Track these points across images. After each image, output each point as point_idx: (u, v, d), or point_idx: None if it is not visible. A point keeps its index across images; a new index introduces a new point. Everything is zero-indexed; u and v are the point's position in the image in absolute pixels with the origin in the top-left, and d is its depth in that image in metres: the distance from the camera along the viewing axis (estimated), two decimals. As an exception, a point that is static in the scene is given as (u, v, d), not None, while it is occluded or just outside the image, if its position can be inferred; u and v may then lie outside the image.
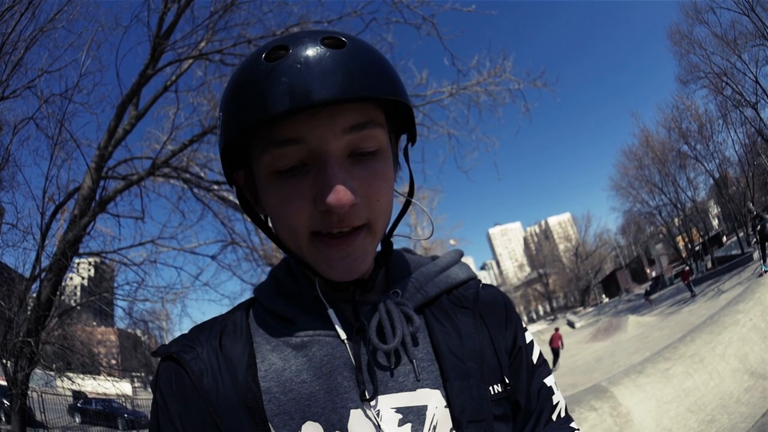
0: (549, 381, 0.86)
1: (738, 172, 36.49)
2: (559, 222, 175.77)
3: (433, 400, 0.70)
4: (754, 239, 14.24)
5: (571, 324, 40.11)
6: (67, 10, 5.58)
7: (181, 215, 7.04)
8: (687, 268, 26.09)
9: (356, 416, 0.67)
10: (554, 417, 0.83)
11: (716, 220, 50.93)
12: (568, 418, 0.85)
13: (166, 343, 0.80)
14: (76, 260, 6.41)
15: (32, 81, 5.31)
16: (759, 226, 13.47)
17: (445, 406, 0.70)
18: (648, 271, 55.68)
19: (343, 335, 0.71)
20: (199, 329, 0.78)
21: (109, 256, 6.34)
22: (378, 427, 0.66)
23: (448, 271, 0.85)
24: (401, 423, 0.67)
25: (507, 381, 0.77)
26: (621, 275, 57.76)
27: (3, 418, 14.14)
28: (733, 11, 30.23)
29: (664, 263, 50.16)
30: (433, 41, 6.71)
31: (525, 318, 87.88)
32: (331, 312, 0.72)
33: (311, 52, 0.59)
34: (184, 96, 6.93)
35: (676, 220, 44.85)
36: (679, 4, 34.39)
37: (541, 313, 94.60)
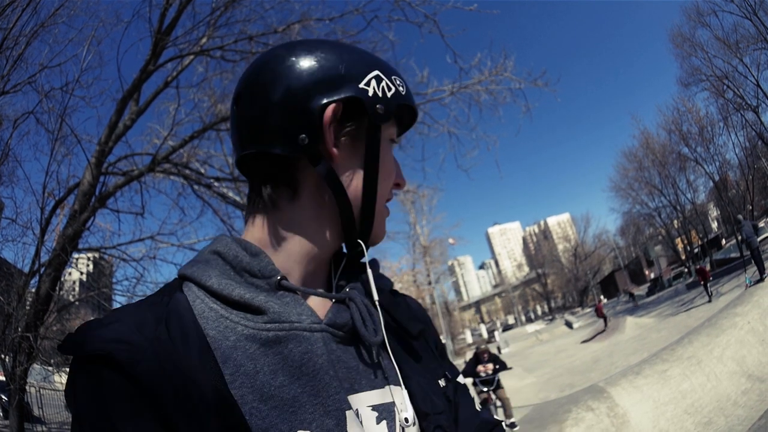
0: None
1: (738, 175, 36.58)
2: (559, 222, 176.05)
3: (398, 397, 0.70)
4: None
5: (569, 324, 40.19)
6: (68, 5, 5.61)
7: (180, 211, 7.01)
8: (706, 266, 22.45)
9: (350, 418, 0.62)
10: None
11: (715, 223, 51.01)
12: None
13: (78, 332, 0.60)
14: (76, 255, 6.41)
15: (33, 76, 5.31)
16: (742, 236, 13.54)
17: (407, 403, 0.71)
18: (647, 272, 55.76)
19: (316, 327, 0.66)
20: (127, 315, 0.61)
21: (109, 251, 6.34)
22: (362, 426, 0.64)
23: (384, 276, 0.86)
24: (378, 421, 0.67)
25: (448, 375, 0.83)
26: (620, 276, 57.89)
27: (1, 413, 14.16)
28: (735, 14, 30.29)
29: (663, 265, 50.24)
30: (434, 40, 6.72)
31: (523, 318, 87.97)
32: (303, 301, 0.68)
33: None
34: (185, 92, 6.93)
35: (675, 222, 44.95)
36: (681, 7, 34.49)
37: (539, 313, 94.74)
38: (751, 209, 34.88)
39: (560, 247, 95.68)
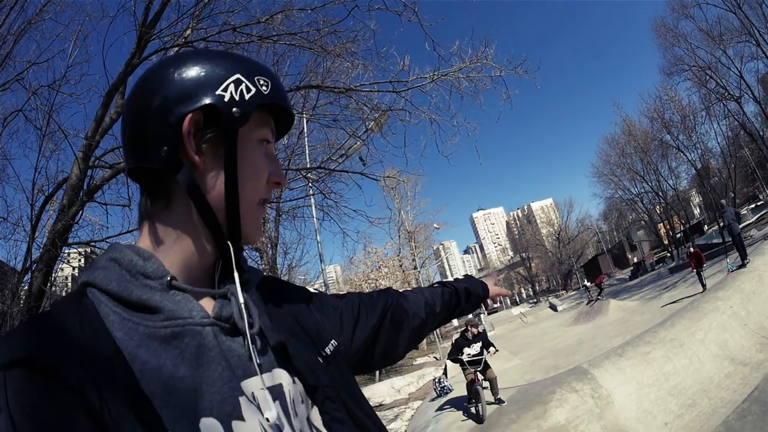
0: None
1: (720, 163, 37.06)
2: (542, 207, 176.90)
3: (284, 378, 0.76)
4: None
5: (553, 307, 40.58)
6: (55, 1, 5.52)
7: (167, 202, 6.97)
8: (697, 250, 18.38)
9: (244, 402, 0.69)
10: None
11: (698, 209, 51.79)
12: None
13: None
14: (66, 250, 6.36)
15: (21, 73, 5.24)
16: (725, 222, 13.80)
17: (294, 381, 0.77)
18: (629, 256, 56.46)
19: (206, 322, 0.72)
20: (44, 322, 0.65)
21: (98, 244, 6.29)
22: (259, 409, 0.70)
23: (255, 269, 0.92)
24: (273, 400, 0.72)
25: (323, 352, 0.87)
26: (603, 260, 58.57)
27: None
28: (719, 8, 30.52)
29: (646, 249, 50.89)
30: (415, 28, 6.71)
31: (508, 301, 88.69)
32: (193, 299, 0.73)
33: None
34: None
35: (657, 207, 45.49)
36: (666, -1, 34.67)
37: (524, 296, 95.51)
38: (734, 196, 35.41)
39: (544, 231, 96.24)
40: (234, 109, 0.75)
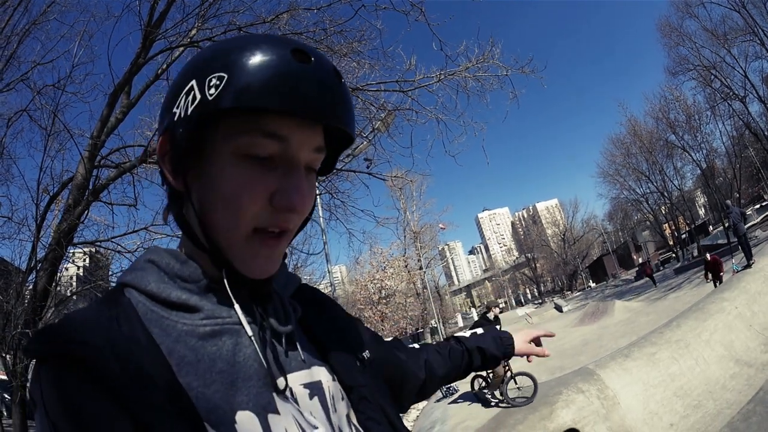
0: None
1: (725, 163, 36.92)
2: (547, 207, 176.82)
3: (323, 375, 0.77)
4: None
5: (558, 308, 40.48)
6: (59, 1, 5.56)
7: (173, 202, 6.99)
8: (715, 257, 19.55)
9: (280, 397, 0.69)
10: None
11: (703, 210, 51.63)
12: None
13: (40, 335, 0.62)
14: (71, 250, 6.38)
15: (26, 74, 5.28)
16: (730, 223, 13.77)
17: (333, 379, 0.78)
18: (635, 257, 56.31)
19: (245, 321, 0.70)
20: (82, 317, 0.64)
21: (104, 244, 6.31)
22: (296, 403, 0.71)
23: (292, 275, 0.91)
24: (311, 397, 0.73)
25: (363, 356, 0.88)
26: (608, 261, 58.41)
27: (4, 413, 14.12)
28: (723, 6, 30.43)
29: (651, 250, 50.72)
30: (421, 27, 6.72)
31: (513, 301, 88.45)
32: (234, 301, 0.72)
33: (329, 73, 0.67)
34: (176, 84, 6.87)
35: (663, 208, 45.32)
36: (670, -2, 34.61)
37: (529, 296, 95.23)
38: (738, 197, 35.27)
39: (549, 231, 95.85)
40: (179, 130, 0.66)
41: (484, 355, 1.28)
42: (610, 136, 50.53)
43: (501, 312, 9.83)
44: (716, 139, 36.79)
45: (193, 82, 0.65)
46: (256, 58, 0.63)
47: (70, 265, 7.55)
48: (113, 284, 7.26)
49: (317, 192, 9.08)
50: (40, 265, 5.17)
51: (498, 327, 9.14)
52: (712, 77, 32.81)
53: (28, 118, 5.45)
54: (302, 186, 0.68)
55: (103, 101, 5.90)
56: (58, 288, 6.01)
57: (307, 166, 0.70)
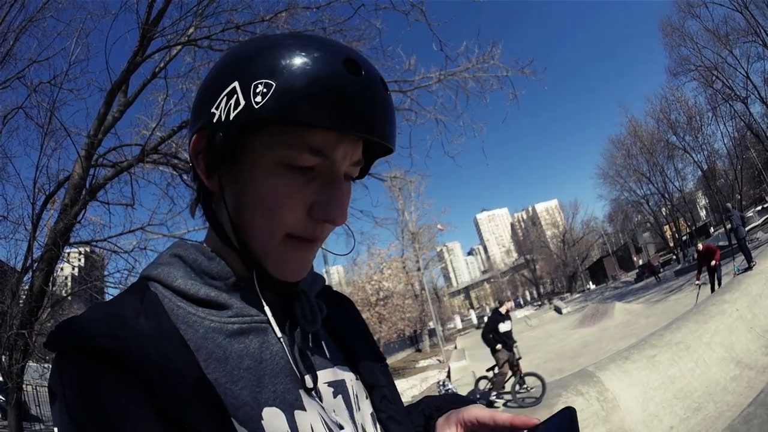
0: None
1: (726, 164, 36.95)
2: (547, 208, 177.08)
3: (346, 374, 0.78)
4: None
5: (557, 310, 40.50)
6: (55, -2, 5.56)
7: (170, 201, 6.93)
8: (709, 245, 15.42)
9: (305, 394, 0.69)
10: None
11: (704, 211, 51.63)
12: None
13: (63, 328, 0.60)
14: (67, 250, 6.36)
15: (22, 71, 5.27)
16: (730, 224, 13.73)
17: (357, 378, 0.79)
18: (635, 258, 56.31)
19: (273, 320, 0.69)
20: (107, 310, 0.63)
21: (100, 244, 6.29)
22: (321, 401, 0.70)
23: (318, 275, 0.89)
24: (335, 395, 0.73)
25: (382, 357, 0.89)
26: (608, 262, 58.35)
27: (0, 414, 14.09)
28: (726, 7, 30.49)
29: (651, 252, 50.71)
30: (421, 27, 6.73)
31: (512, 303, 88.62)
32: (263, 301, 0.71)
33: (379, 86, 0.64)
34: (173, 82, 6.84)
35: (663, 209, 45.34)
36: (672, -2, 34.67)
37: (529, 298, 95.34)
38: (740, 198, 35.27)
39: (548, 233, 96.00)
40: (218, 134, 0.63)
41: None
42: (610, 137, 50.42)
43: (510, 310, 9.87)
44: (717, 141, 36.74)
45: (236, 85, 0.61)
46: (307, 68, 0.60)
47: (65, 264, 7.53)
48: (108, 285, 7.31)
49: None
50: (36, 265, 5.16)
51: (509, 322, 9.18)
52: (714, 78, 32.87)
53: (24, 116, 5.45)
54: (343, 199, 0.67)
55: (99, 99, 5.89)
56: (54, 288, 5.98)
57: (345, 175, 0.69)
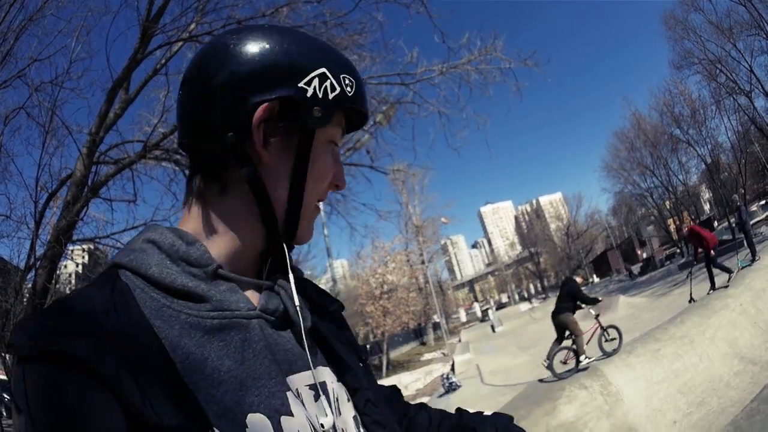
0: None
1: (730, 158, 36.75)
2: (551, 201, 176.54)
3: (327, 376, 0.75)
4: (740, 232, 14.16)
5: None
6: (56, -4, 5.56)
7: (173, 197, 6.91)
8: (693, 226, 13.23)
9: (291, 398, 0.66)
10: None
11: (708, 205, 51.36)
12: None
13: (27, 327, 0.57)
14: (70, 247, 6.37)
15: (22, 70, 5.26)
16: (737, 218, 13.61)
17: (338, 381, 0.77)
18: (639, 252, 56.12)
19: (252, 314, 0.68)
20: (74, 306, 0.58)
21: (103, 241, 6.29)
22: (303, 406, 0.67)
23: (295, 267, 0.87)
24: (316, 399, 0.70)
25: (363, 357, 0.88)
26: (612, 255, 58.15)
27: (4, 413, 14.21)
28: (729, 0, 30.20)
29: (655, 245, 50.52)
30: (423, 20, 6.71)
31: (516, 296, 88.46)
32: (239, 290, 0.70)
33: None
34: (175, 78, 6.80)
35: (667, 202, 45.13)
36: (675, -9, 34.40)
37: (533, 291, 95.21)
38: (744, 192, 35.09)
39: (552, 226, 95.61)
40: (315, 108, 0.69)
41: None
42: (614, 130, 50.13)
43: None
44: (721, 134, 36.51)
45: (326, 71, 0.70)
46: (356, 70, 0.77)
47: (69, 262, 7.54)
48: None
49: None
50: (39, 262, 5.15)
51: (585, 291, 9.32)
52: (718, 71, 32.59)
53: (26, 116, 5.43)
54: (343, 168, 0.82)
55: (101, 97, 5.89)
56: (58, 286, 5.99)
57: None
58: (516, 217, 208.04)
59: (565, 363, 8.38)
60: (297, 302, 0.71)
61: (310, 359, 0.70)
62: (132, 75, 5.97)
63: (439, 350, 30.52)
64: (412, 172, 11.21)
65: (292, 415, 0.64)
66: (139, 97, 6.21)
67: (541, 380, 8.09)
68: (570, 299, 9.02)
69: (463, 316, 67.31)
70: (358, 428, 0.75)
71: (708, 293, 9.52)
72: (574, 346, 8.52)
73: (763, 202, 36.80)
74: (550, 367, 8.23)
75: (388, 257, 35.35)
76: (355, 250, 40.63)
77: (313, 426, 0.66)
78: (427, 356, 29.91)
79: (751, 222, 14.74)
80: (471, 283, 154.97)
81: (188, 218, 0.73)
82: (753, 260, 10.65)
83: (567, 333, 8.87)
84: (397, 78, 7.06)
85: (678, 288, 18.06)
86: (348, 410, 0.75)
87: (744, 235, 12.91)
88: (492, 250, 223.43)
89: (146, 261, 0.64)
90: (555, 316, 9.14)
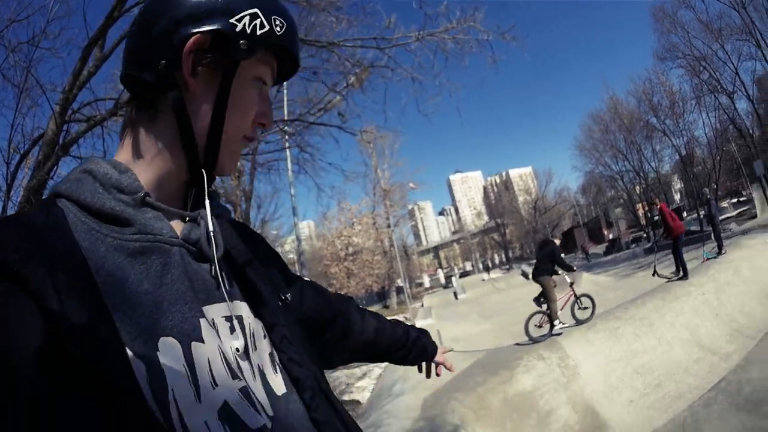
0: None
1: (705, 153, 37.32)
2: (521, 175, 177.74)
3: (244, 311, 0.77)
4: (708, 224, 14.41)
5: (525, 275, 41.08)
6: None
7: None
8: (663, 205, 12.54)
9: (204, 325, 0.68)
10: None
11: (678, 195, 52.40)
12: None
13: None
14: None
15: (0, 32, 5.10)
16: (707, 211, 13.91)
17: (255, 316, 0.79)
18: (605, 232, 57.23)
19: (174, 241, 0.71)
20: (10, 224, 0.61)
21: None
22: (218, 336, 0.69)
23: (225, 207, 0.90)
24: (231, 331, 0.72)
25: (285, 297, 0.89)
26: (578, 233, 59.16)
27: None
28: (723, 3, 30.25)
29: (622, 227, 51.47)
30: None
31: (480, 265, 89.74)
32: (164, 218, 0.73)
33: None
34: (150, 35, 6.66)
35: (637, 187, 45.73)
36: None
37: (497, 261, 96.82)
38: (716, 188, 35.79)
39: (521, 199, 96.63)
40: (241, 41, 0.73)
41: (416, 344, 1.41)
42: (590, 111, 50.32)
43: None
44: (699, 129, 36.91)
45: (258, 11, 0.74)
46: (290, 15, 0.80)
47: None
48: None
49: (287, 146, 8.96)
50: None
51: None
52: (702, 68, 32.81)
53: (1, 77, 5.26)
54: (271, 109, 0.85)
55: (76, 56, 5.70)
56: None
57: None
58: (485, 188, 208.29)
59: (539, 327, 8.54)
60: (211, 227, 0.74)
61: (224, 288, 0.72)
62: (108, 33, 5.77)
63: (402, 314, 30.79)
64: (381, 135, 11.15)
65: (203, 341, 0.66)
66: (113, 54, 6.02)
67: (517, 344, 8.20)
68: (549, 261, 9.05)
69: (426, 282, 68.12)
70: (274, 365, 0.77)
71: (670, 275, 9.67)
72: (548, 311, 8.70)
73: (734, 200, 37.66)
74: (526, 330, 8.42)
75: (355, 219, 35.32)
76: (322, 211, 40.55)
77: (224, 354, 0.68)
78: (390, 319, 30.33)
79: (721, 218, 15.10)
80: (436, 250, 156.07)
81: (121, 148, 0.77)
82: (719, 253, 10.91)
83: (542, 298, 9.04)
84: (373, 42, 6.93)
85: (642, 270, 18.53)
86: (264, 347, 0.77)
87: (712, 228, 13.18)
88: (459, 219, 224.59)
89: (81, 188, 0.68)
90: (535, 277, 9.24)
